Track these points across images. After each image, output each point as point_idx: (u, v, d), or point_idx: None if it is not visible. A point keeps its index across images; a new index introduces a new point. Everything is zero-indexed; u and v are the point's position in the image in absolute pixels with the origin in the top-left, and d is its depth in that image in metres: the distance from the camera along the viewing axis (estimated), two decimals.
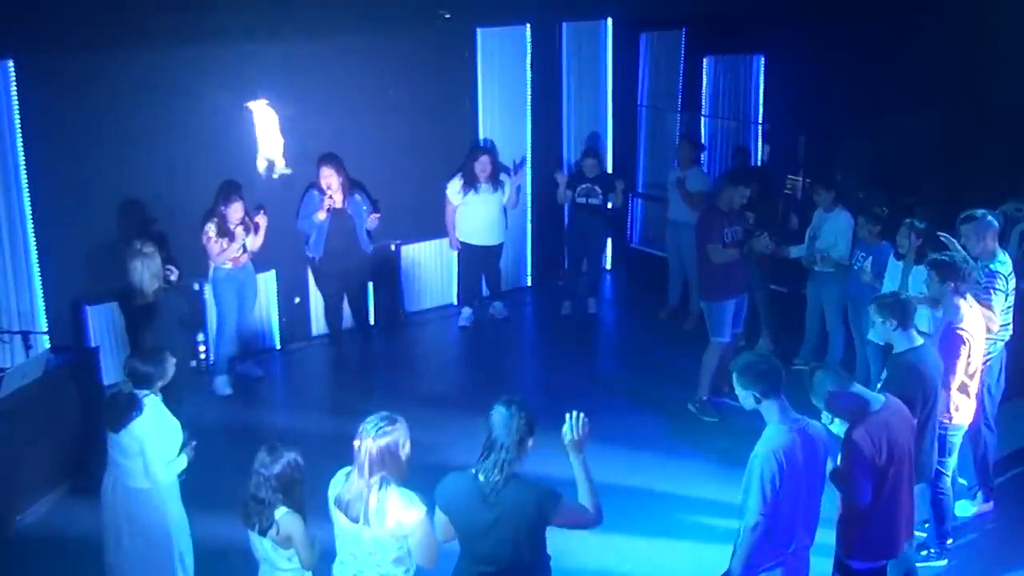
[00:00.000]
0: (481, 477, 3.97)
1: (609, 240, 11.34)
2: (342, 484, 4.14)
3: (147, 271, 6.74)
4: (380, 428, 4.02)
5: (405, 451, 4.09)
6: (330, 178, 8.53)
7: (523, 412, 3.98)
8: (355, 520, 4.06)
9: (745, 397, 4.35)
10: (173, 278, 7.11)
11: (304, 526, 4.37)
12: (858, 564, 4.73)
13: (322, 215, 8.56)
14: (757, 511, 4.21)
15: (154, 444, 5.07)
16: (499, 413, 3.99)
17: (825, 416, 4.80)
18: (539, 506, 3.96)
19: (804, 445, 4.27)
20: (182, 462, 5.21)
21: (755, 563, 4.32)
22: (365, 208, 8.80)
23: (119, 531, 5.22)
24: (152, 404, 5.12)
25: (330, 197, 8.54)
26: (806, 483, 4.28)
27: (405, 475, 4.10)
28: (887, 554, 4.78)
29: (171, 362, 5.27)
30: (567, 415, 4.11)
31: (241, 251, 8.10)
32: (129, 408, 5.06)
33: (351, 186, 8.75)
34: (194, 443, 5.24)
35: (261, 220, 8.26)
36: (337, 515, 4.15)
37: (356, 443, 4.04)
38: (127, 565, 5.24)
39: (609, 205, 9.87)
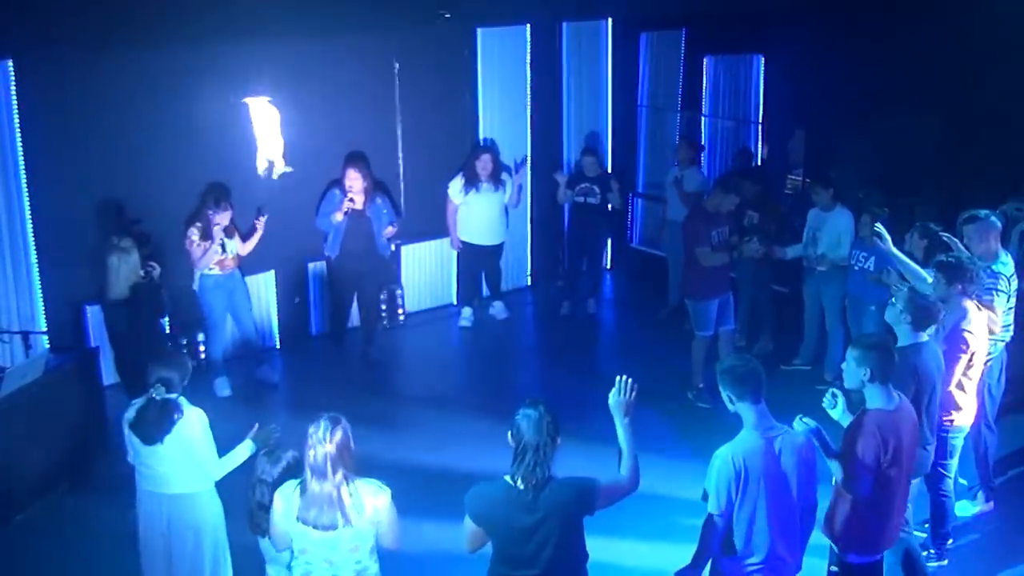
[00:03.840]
0: (519, 484, 3.96)
1: (609, 240, 11.37)
2: (297, 500, 4.12)
3: (124, 266, 6.78)
4: (330, 429, 4.10)
5: (353, 444, 4.17)
6: (354, 181, 8.48)
7: (550, 412, 4.03)
8: (330, 527, 4.08)
9: (724, 397, 4.40)
10: (155, 274, 7.10)
11: None
12: (854, 558, 4.75)
13: (339, 216, 8.52)
14: (710, 508, 4.32)
15: (203, 439, 5.03)
16: (527, 416, 3.99)
17: (827, 400, 4.82)
18: (580, 499, 4.03)
19: (770, 455, 4.27)
20: (247, 448, 5.08)
21: (725, 565, 4.38)
22: (385, 212, 8.77)
23: (171, 543, 5.14)
24: (185, 403, 5.07)
25: (350, 200, 8.51)
26: (772, 494, 4.26)
27: (355, 467, 4.17)
28: (882, 547, 4.80)
29: (188, 359, 5.28)
30: (617, 378, 4.22)
31: (221, 254, 7.97)
32: (170, 414, 4.97)
33: (374, 189, 8.71)
34: (275, 428, 5.11)
35: (259, 224, 8.20)
36: (303, 531, 4.12)
37: (310, 452, 4.07)
38: (177, 571, 5.19)
39: (610, 207, 9.90)
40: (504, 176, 9.68)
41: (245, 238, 8.24)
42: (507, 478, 4.01)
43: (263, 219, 8.25)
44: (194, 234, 7.90)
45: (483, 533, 4.06)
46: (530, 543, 3.97)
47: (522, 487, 3.96)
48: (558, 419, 4.05)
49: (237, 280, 8.27)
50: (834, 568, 4.85)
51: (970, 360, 5.63)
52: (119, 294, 6.83)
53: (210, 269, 8.02)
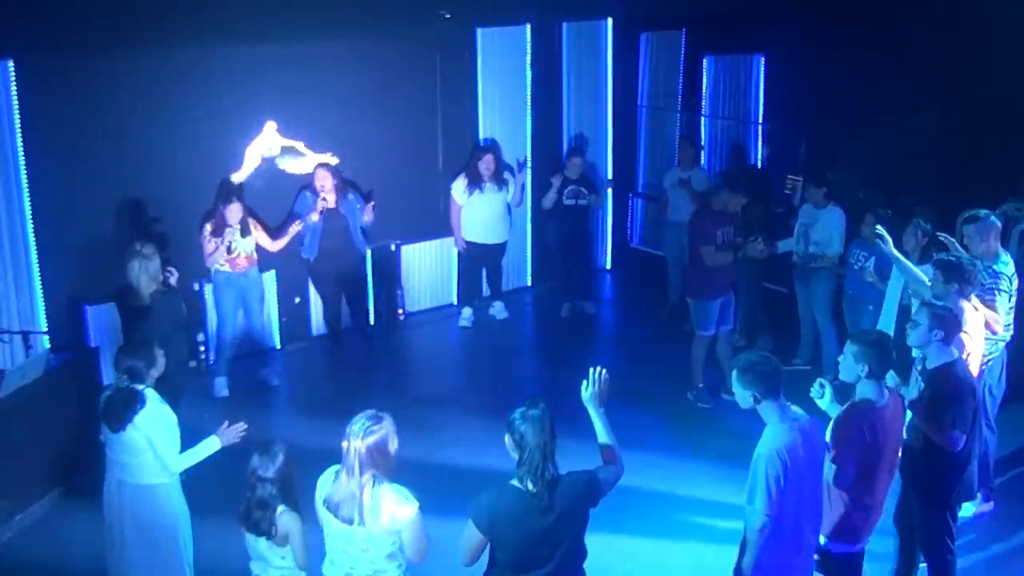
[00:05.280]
0: (531, 486, 3.93)
1: (609, 240, 11.38)
2: (330, 485, 4.15)
3: (145, 272, 6.68)
4: (367, 427, 4.05)
5: (393, 447, 4.12)
6: (324, 179, 8.52)
7: (547, 408, 4.01)
8: (348, 521, 4.07)
9: (743, 397, 4.32)
10: (172, 280, 7.03)
11: (301, 524, 4.41)
12: (836, 547, 4.77)
13: (315, 216, 8.54)
14: (763, 512, 4.20)
15: (162, 434, 5.04)
16: (529, 418, 3.95)
17: (815, 390, 4.84)
18: (589, 492, 4.04)
19: (805, 443, 4.28)
20: (212, 445, 5.12)
21: (766, 564, 4.31)
22: (359, 207, 8.80)
23: (124, 530, 5.19)
24: (151, 396, 5.10)
25: (323, 199, 8.53)
26: (809, 482, 4.30)
27: (394, 471, 4.12)
28: (863, 538, 4.83)
29: (160, 353, 5.24)
30: (590, 370, 4.19)
31: (227, 255, 7.95)
32: (131, 403, 5.01)
33: (344, 186, 8.74)
34: (242, 424, 5.12)
35: (292, 229, 8.31)
36: (327, 516, 4.15)
37: (344, 444, 4.06)
38: (133, 563, 5.21)
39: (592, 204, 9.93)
40: (507, 175, 9.69)
41: (275, 236, 8.32)
42: (515, 483, 3.97)
43: (297, 225, 8.35)
44: (207, 229, 7.93)
45: (485, 543, 4.01)
46: (545, 544, 3.96)
47: (534, 490, 3.92)
48: (553, 416, 4.03)
49: (252, 280, 8.23)
50: (816, 556, 4.86)
51: (966, 360, 5.62)
52: (139, 301, 6.72)
53: (221, 265, 8.02)
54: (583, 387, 4.20)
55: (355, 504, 4.03)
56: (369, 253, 9.35)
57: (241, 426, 5.13)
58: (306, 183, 8.72)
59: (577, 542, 4.07)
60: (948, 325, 5.11)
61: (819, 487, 4.40)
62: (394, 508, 4.05)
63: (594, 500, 4.06)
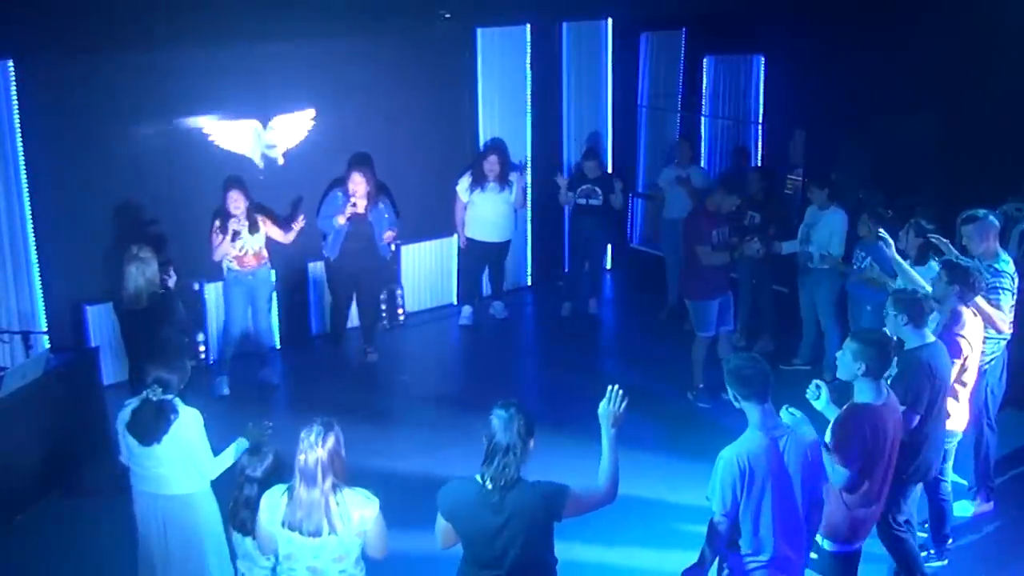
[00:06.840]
0: (488, 484, 3.95)
1: (610, 241, 11.38)
2: (282, 507, 4.10)
3: (142, 276, 6.62)
4: (322, 435, 4.06)
5: (344, 450, 4.14)
6: (359, 185, 8.48)
7: (522, 414, 3.99)
8: (316, 533, 4.05)
9: (730, 395, 4.40)
10: (171, 283, 7.01)
11: None
12: (836, 547, 4.81)
13: (342, 220, 8.50)
14: (718, 511, 4.29)
15: (199, 439, 5.01)
16: (498, 417, 3.98)
17: (811, 391, 4.85)
18: (547, 505, 3.99)
19: (775, 455, 4.26)
20: (241, 447, 5.04)
21: (732, 562, 4.37)
22: (387, 217, 8.77)
23: (168, 545, 5.10)
24: (179, 403, 5.05)
25: (353, 204, 8.49)
26: (777, 493, 4.26)
27: (346, 476, 4.13)
28: (860, 538, 4.86)
29: (187, 363, 5.22)
30: (609, 387, 4.17)
31: (242, 250, 7.95)
32: (167, 414, 4.94)
33: (377, 193, 8.71)
34: (268, 424, 5.05)
35: (296, 224, 8.23)
36: (287, 536, 4.09)
37: (301, 457, 4.04)
38: (177, 573, 5.15)
39: (616, 206, 9.94)
40: (512, 176, 9.69)
41: (286, 228, 8.24)
42: (478, 477, 4.00)
43: (301, 218, 8.27)
44: (215, 224, 7.89)
45: (453, 531, 4.05)
46: (496, 544, 3.96)
47: (490, 486, 3.94)
48: (532, 421, 4.00)
49: (260, 279, 8.20)
50: (813, 555, 4.86)
51: (963, 364, 5.61)
52: (136, 304, 6.68)
53: (230, 263, 7.99)
54: (601, 404, 4.19)
55: (322, 514, 4.02)
56: None
57: (266, 424, 5.07)
58: (338, 178, 8.67)
59: (534, 549, 4.02)
60: (910, 308, 5.19)
61: (793, 502, 4.33)
62: (361, 510, 4.09)
63: (554, 514, 4.00)
